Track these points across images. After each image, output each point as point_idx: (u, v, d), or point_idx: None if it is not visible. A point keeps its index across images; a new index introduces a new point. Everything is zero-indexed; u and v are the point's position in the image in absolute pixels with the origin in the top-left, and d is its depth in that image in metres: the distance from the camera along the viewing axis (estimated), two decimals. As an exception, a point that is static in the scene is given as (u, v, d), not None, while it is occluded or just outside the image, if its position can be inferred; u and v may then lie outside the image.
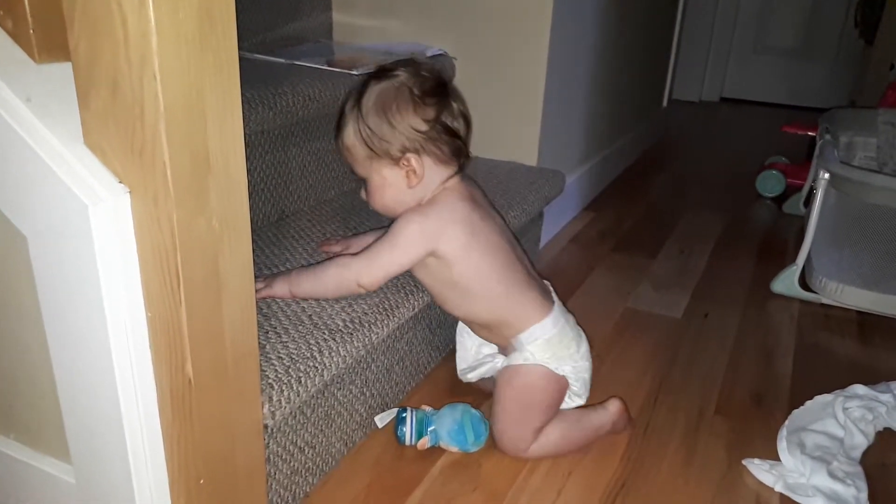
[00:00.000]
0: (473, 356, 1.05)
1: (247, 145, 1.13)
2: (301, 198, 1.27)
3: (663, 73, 2.77)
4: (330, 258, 0.96)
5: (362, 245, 1.02)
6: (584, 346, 1.01)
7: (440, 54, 1.57)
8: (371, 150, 0.90)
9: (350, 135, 0.91)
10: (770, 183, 2.19)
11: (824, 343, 1.37)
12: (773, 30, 3.56)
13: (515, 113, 1.58)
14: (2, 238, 0.66)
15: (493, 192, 1.39)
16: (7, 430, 0.79)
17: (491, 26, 1.55)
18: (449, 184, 0.94)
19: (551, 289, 1.05)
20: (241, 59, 1.44)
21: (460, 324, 1.07)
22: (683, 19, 2.81)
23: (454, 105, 0.91)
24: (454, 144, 0.91)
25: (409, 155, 0.90)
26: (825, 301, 1.50)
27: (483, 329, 1.02)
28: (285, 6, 1.58)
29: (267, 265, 1.04)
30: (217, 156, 0.61)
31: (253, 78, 1.19)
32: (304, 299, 0.93)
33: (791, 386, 1.20)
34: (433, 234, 0.91)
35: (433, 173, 0.92)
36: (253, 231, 1.15)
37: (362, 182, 0.95)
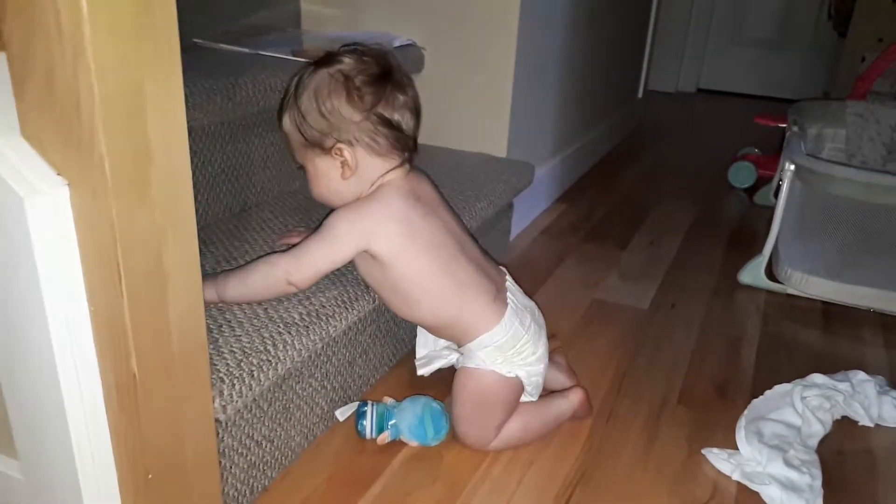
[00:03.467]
0: (433, 344, 1.04)
1: (206, 136, 1.13)
2: (264, 189, 1.26)
3: (638, 64, 2.78)
4: (259, 257, 0.92)
5: None
6: (542, 349, 0.98)
7: (409, 44, 1.56)
8: (304, 137, 0.88)
9: (287, 121, 0.89)
10: (741, 174, 2.20)
11: (788, 333, 1.38)
12: (750, 21, 3.58)
13: (484, 104, 1.58)
14: (-60, 231, 0.65)
15: (460, 183, 1.39)
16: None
17: (459, 16, 1.54)
18: (389, 177, 0.90)
19: (509, 282, 1.01)
20: (203, 48, 1.43)
21: None
22: (659, 10, 2.81)
23: (397, 95, 0.88)
24: (393, 136, 0.88)
25: (339, 146, 0.87)
26: (791, 291, 1.51)
27: (434, 330, 1.00)
28: (252, -5, 1.56)
29: (226, 258, 1.03)
30: (159, 147, 0.60)
31: (214, 68, 1.18)
32: (235, 304, 0.89)
33: (754, 376, 1.22)
34: (364, 231, 0.88)
35: (369, 166, 0.89)
36: (214, 223, 1.15)
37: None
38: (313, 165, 0.90)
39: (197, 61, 1.25)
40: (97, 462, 0.68)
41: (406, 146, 0.91)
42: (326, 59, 0.88)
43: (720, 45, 3.64)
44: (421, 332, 1.06)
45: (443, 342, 1.04)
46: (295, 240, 1.06)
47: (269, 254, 0.91)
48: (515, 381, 0.97)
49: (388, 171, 0.90)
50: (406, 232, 0.89)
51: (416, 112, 0.91)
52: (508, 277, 1.02)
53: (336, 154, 0.88)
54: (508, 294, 0.98)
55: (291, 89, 0.89)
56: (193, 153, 1.09)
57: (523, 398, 1.00)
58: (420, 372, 1.05)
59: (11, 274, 0.60)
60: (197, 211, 1.13)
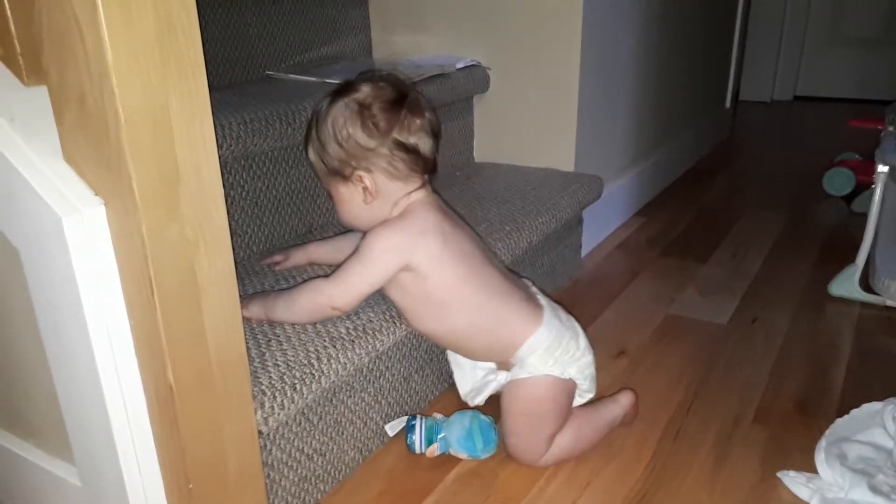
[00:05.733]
0: (471, 377, 1.01)
1: (270, 160, 1.17)
2: (329, 211, 1.29)
3: (724, 72, 2.67)
4: (305, 281, 0.93)
5: (304, 255, 1.08)
6: (584, 340, 0.97)
7: (473, 65, 1.57)
8: (325, 166, 0.89)
9: (310, 151, 0.91)
10: (838, 181, 2.06)
11: (885, 348, 1.27)
12: (851, 19, 3.37)
13: (550, 119, 1.56)
14: (1, 252, 0.70)
15: (523, 199, 1.37)
16: (25, 435, 0.84)
17: (522, 33, 1.53)
18: (415, 196, 0.91)
19: (536, 290, 1.01)
20: (274, 80, 1.49)
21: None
22: (747, 16, 2.70)
23: (413, 119, 0.88)
24: (411, 160, 0.88)
25: (358, 173, 0.88)
26: (889, 303, 1.39)
27: (468, 350, 0.98)
28: (323, 28, 1.62)
29: (286, 277, 1.06)
30: (187, 165, 0.63)
31: (279, 96, 1.23)
32: (280, 323, 0.91)
33: (842, 394, 1.12)
34: (404, 247, 0.88)
35: (390, 190, 0.90)
36: (280, 244, 1.19)
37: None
38: (337, 192, 0.92)
39: (264, 91, 1.31)
40: (143, 470, 0.71)
41: (425, 168, 0.91)
42: (344, 89, 0.89)
43: (818, 48, 3.45)
44: (456, 366, 1.02)
45: (480, 368, 1.00)
46: (277, 258, 1.09)
47: (313, 279, 0.92)
48: (570, 384, 0.96)
49: (410, 192, 0.91)
50: (441, 242, 0.90)
51: (434, 134, 0.90)
52: (535, 289, 1.02)
53: (356, 181, 0.89)
54: (539, 295, 0.99)
55: (312, 120, 0.91)
56: (258, 177, 1.14)
57: (582, 399, 0.99)
58: (473, 403, 1.01)
59: (56, 289, 0.64)
60: (263, 233, 1.19)
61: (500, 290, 0.94)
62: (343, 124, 0.87)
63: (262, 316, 0.92)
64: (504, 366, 0.97)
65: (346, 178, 0.89)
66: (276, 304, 0.91)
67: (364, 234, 0.91)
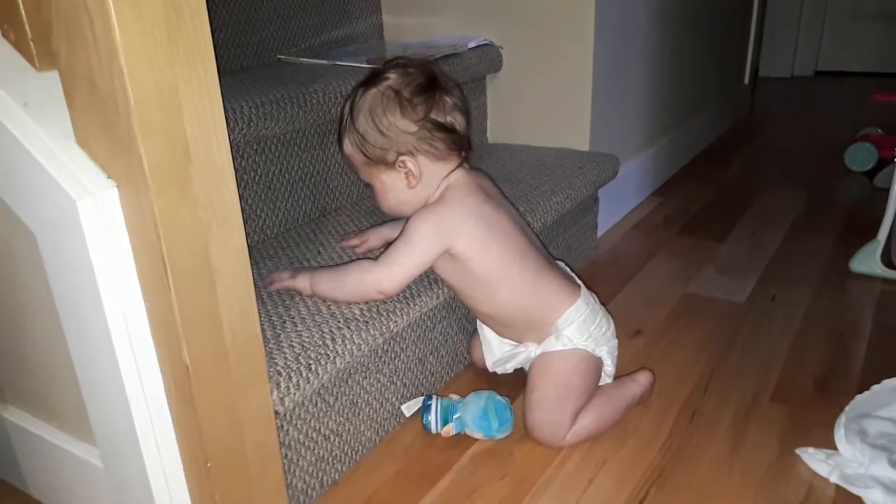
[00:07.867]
0: (498, 350, 1.03)
1: (283, 144, 1.17)
2: (342, 194, 1.30)
3: (742, 49, 2.63)
4: (353, 260, 0.96)
5: (380, 236, 1.05)
6: (612, 326, 1.01)
7: (485, 44, 1.56)
8: (367, 157, 0.91)
9: (347, 144, 0.93)
10: (860, 156, 2.03)
11: (907, 324, 1.25)
12: (872, -9, 3.30)
13: (564, 98, 1.54)
14: (17, 236, 0.71)
15: (537, 178, 1.36)
16: (48, 418, 0.85)
17: (535, 11, 1.52)
18: (454, 178, 0.93)
19: (571, 273, 1.03)
20: (286, 63, 1.49)
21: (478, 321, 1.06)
22: (765, -10, 2.65)
23: (446, 99, 0.90)
24: (449, 139, 0.91)
25: (402, 158, 0.90)
26: (912, 279, 1.37)
27: (508, 327, 1.00)
28: (334, 11, 1.61)
29: (299, 259, 1.06)
30: (198, 146, 0.63)
31: (290, 79, 1.23)
32: (323, 298, 0.93)
33: (862, 371, 1.11)
34: (448, 230, 0.90)
35: (432, 171, 0.92)
36: (293, 228, 1.20)
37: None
38: (380, 181, 0.93)
39: (275, 75, 1.30)
40: (162, 450, 0.72)
41: (462, 146, 0.93)
42: (373, 79, 0.91)
43: (840, 22, 3.37)
44: (484, 339, 1.05)
45: (507, 343, 1.02)
46: (352, 241, 1.08)
47: (361, 259, 0.95)
48: (599, 363, 0.98)
49: (450, 173, 0.93)
50: (484, 226, 0.92)
51: (466, 112, 0.93)
52: (570, 270, 1.04)
53: (400, 166, 0.91)
54: (574, 277, 1.02)
55: (346, 113, 0.93)
56: (270, 161, 1.14)
57: (602, 380, 1.00)
58: (503, 370, 1.04)
59: (72, 272, 0.65)
60: (276, 217, 1.19)
61: (542, 267, 0.96)
62: (382, 113, 0.89)
63: (308, 290, 0.93)
64: (535, 339, 0.98)
65: (389, 165, 0.91)
66: (322, 280, 0.93)
67: (407, 219, 0.93)
